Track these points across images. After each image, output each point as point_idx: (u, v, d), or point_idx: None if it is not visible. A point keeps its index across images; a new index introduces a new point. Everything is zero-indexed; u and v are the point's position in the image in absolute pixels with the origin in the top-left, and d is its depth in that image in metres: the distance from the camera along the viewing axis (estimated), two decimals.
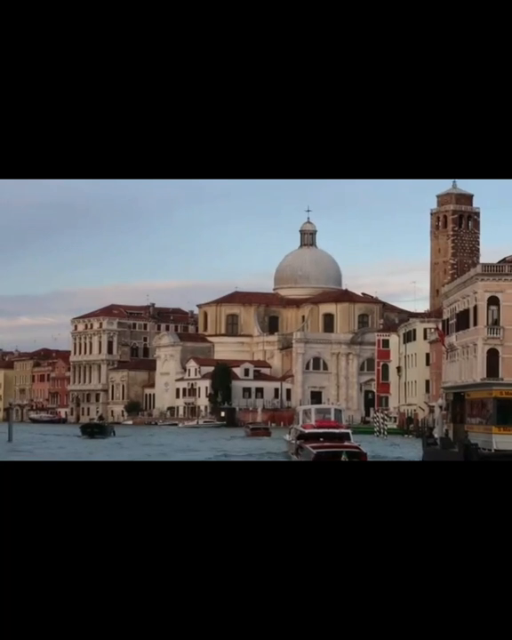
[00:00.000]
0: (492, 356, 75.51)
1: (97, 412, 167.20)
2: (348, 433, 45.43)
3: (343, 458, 37.30)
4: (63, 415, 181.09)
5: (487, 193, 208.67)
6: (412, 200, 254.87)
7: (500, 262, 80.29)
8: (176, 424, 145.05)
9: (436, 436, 46.85)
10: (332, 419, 51.42)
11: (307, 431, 46.52)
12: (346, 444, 41.25)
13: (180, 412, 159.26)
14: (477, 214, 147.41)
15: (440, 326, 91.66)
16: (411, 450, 60.31)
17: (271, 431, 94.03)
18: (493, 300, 76.19)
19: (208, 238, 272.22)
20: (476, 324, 77.04)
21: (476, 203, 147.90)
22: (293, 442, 46.80)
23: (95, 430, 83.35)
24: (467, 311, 79.92)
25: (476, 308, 77.13)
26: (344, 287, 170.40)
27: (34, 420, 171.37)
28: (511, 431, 36.69)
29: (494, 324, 76.05)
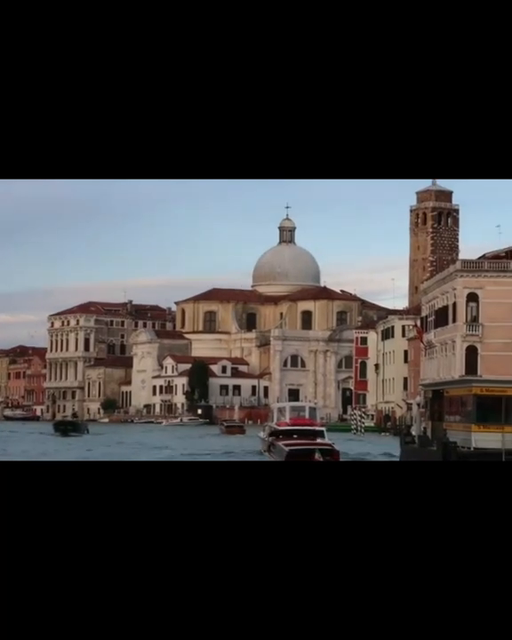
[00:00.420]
0: (471, 353, 75.10)
1: (73, 409, 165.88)
2: (322, 431, 45.07)
3: (317, 456, 36.35)
4: (39, 413, 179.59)
5: (467, 190, 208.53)
6: (392, 197, 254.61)
7: (479, 258, 79.71)
8: (152, 421, 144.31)
9: (413, 433, 45.78)
10: (307, 416, 51.13)
11: (279, 428, 46.12)
12: (318, 441, 40.68)
13: (157, 409, 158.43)
14: (457, 211, 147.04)
15: (419, 323, 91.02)
16: (388, 448, 59.41)
17: (246, 429, 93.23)
18: (472, 297, 75.80)
19: (187, 236, 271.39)
20: (454, 320, 76.73)
21: (455, 200, 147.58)
22: (266, 439, 45.96)
23: (68, 428, 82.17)
24: (445, 308, 79.50)
25: (455, 304, 76.75)
26: (322, 284, 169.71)
27: (7, 418, 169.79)
28: (491, 429, 35.55)
29: (473, 320, 75.65)
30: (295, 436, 41.54)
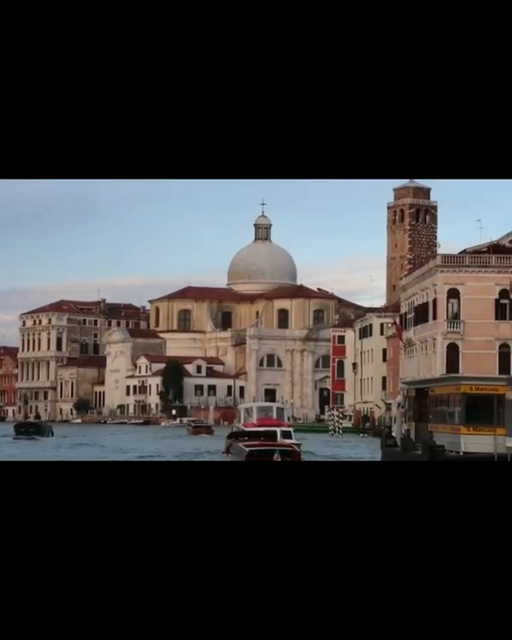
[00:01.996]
0: (452, 351, 73.60)
1: (45, 409, 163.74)
2: (289, 431, 45.06)
3: (276, 457, 34.89)
4: (11, 414, 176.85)
5: (445, 187, 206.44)
6: (370, 194, 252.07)
7: (460, 253, 77.73)
8: (125, 422, 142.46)
9: (395, 435, 43.11)
10: (274, 417, 50.38)
11: (242, 430, 45.75)
12: (278, 442, 39.65)
13: (131, 410, 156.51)
14: (435, 208, 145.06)
15: (398, 321, 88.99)
16: (367, 450, 57.04)
17: (214, 429, 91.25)
18: (453, 293, 74.27)
19: (164, 235, 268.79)
20: (435, 317, 75.13)
21: (433, 197, 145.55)
22: (226, 440, 44.90)
23: (30, 430, 78.52)
24: (425, 304, 77.72)
25: (435, 301, 75.10)
26: (299, 282, 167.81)
27: None
28: (482, 431, 32.61)
29: (454, 317, 74.12)
30: (262, 438, 40.51)
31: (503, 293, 72.35)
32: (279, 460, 34.52)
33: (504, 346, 72.26)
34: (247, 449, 36.71)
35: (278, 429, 44.43)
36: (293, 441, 42.73)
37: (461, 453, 32.34)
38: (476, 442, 32.15)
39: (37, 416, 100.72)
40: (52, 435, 79.68)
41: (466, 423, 33.02)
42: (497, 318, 72.46)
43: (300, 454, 39.51)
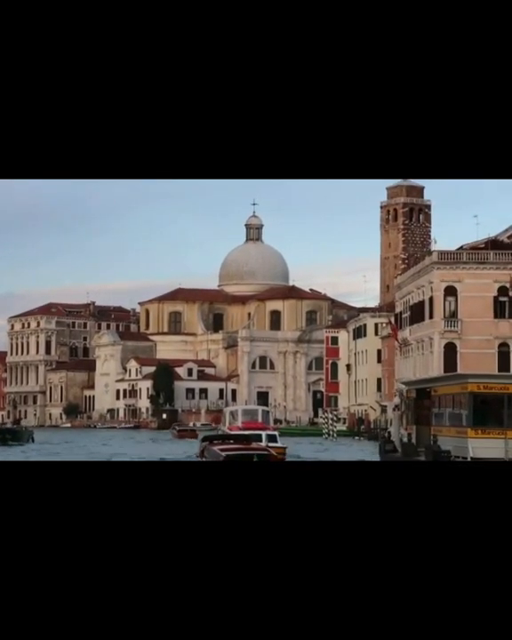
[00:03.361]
0: (450, 350, 71.86)
1: (35, 414, 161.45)
2: (274, 434, 45.32)
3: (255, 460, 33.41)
4: (0, 419, 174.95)
5: (438, 186, 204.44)
6: (363, 193, 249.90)
7: (457, 249, 75.55)
8: (115, 427, 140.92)
9: (393, 439, 40.53)
10: (259, 420, 50.11)
11: (221, 432, 45.81)
12: (253, 445, 38.20)
13: (121, 414, 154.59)
14: (428, 207, 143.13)
15: (393, 320, 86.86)
16: (364, 455, 54.72)
17: (198, 433, 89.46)
18: (450, 291, 72.46)
19: (154, 236, 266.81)
20: (431, 316, 73.39)
21: (426, 195, 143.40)
22: (201, 443, 43.48)
23: (7, 436, 75.26)
24: (422, 303, 75.78)
25: (431, 299, 73.29)
26: (291, 283, 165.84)
27: None
28: (491, 434, 29.94)
29: (451, 316, 72.33)
30: (231, 441, 39.10)
31: (502, 290, 70.56)
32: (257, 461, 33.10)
33: (503, 345, 70.31)
34: (223, 453, 35.05)
35: (263, 433, 43.83)
36: (279, 445, 42.24)
37: (469, 459, 29.64)
38: (485, 446, 29.42)
39: (16, 421, 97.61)
40: (33, 441, 76.57)
41: (473, 426, 30.23)
42: (496, 316, 70.71)
43: (284, 458, 38.88)
